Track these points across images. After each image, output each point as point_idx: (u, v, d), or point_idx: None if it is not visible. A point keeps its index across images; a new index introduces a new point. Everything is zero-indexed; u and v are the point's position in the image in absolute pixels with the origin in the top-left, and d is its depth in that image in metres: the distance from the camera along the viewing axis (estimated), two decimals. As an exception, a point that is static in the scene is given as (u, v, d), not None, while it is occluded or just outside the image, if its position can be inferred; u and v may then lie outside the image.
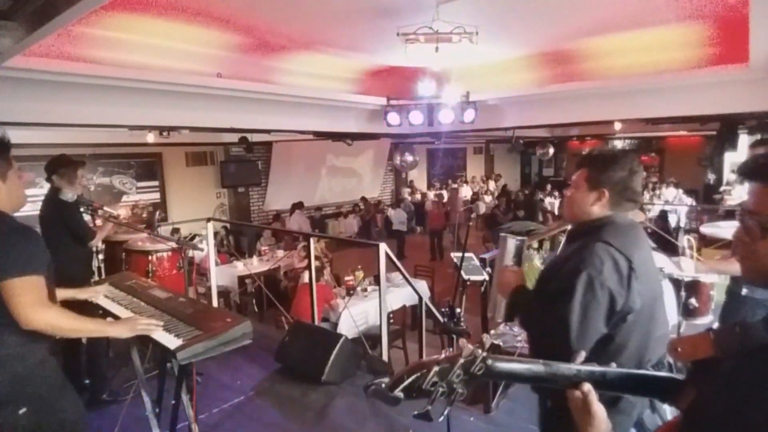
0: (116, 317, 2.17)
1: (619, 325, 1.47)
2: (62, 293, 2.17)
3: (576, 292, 1.43)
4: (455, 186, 14.88)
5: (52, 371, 1.78)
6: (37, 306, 1.64)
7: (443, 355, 0.81)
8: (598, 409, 0.88)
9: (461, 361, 0.80)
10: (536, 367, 0.87)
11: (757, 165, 0.87)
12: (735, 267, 2.53)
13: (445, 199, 12.50)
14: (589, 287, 1.43)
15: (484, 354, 0.81)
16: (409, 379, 0.79)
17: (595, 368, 0.92)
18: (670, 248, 4.69)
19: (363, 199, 13.27)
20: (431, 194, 14.01)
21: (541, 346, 1.59)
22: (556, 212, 12.50)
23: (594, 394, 0.88)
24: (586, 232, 1.57)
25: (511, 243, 1.87)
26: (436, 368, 0.79)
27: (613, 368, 0.96)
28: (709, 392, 0.84)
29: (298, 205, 10.73)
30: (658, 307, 1.57)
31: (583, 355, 0.98)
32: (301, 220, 10.58)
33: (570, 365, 0.91)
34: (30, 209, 3.33)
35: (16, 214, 1.79)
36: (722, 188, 11.94)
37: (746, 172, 0.88)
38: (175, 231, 7.79)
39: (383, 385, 0.81)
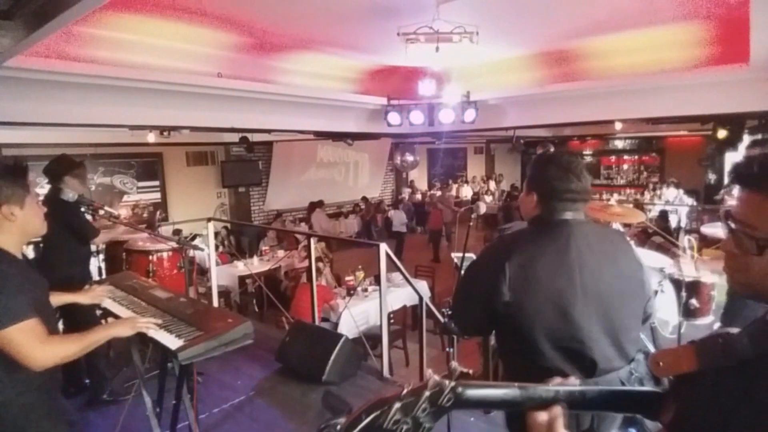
0: (117, 317, 2.17)
1: (495, 317, 1.51)
2: (64, 297, 2.17)
3: (463, 274, 1.69)
4: (446, 185, 14.81)
5: (37, 426, 1.70)
6: (39, 346, 1.60)
7: (405, 389, 0.73)
8: None
9: (427, 393, 0.72)
10: (511, 391, 0.81)
11: (750, 171, 0.80)
12: None
13: (434, 199, 12.39)
14: (469, 271, 1.66)
15: (453, 384, 0.74)
16: (368, 419, 0.70)
17: (574, 388, 0.88)
18: (671, 248, 4.69)
19: (364, 198, 13.27)
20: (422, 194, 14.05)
21: None
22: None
23: (561, 419, 0.81)
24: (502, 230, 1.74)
25: None
26: (397, 404, 0.71)
27: (592, 387, 0.92)
28: (692, 406, 0.81)
29: (317, 204, 10.67)
30: (562, 318, 1.45)
31: (558, 379, 0.92)
32: (322, 218, 10.49)
33: (548, 387, 0.86)
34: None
35: None
36: (723, 188, 11.93)
37: (738, 176, 0.82)
38: (176, 232, 7.78)
39: (338, 428, 0.72)
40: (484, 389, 0.79)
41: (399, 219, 11.75)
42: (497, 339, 1.70)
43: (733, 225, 0.81)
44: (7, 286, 1.62)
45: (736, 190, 0.84)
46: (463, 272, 1.63)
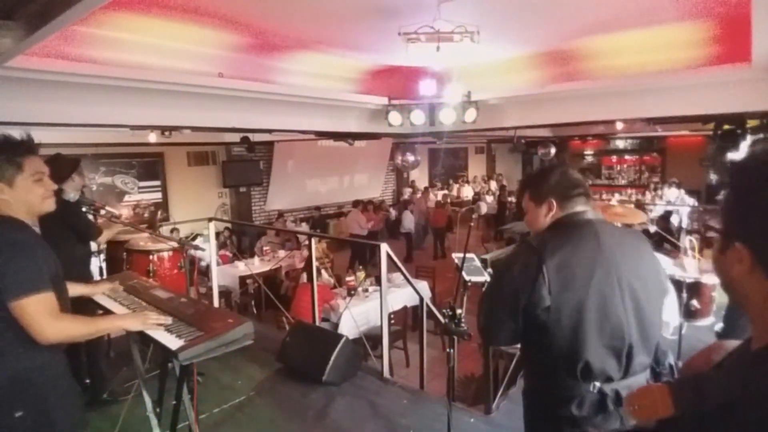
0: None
1: (536, 322, 1.49)
2: (78, 289, 2.19)
3: (489, 284, 1.69)
4: (424, 188, 14.81)
5: (54, 377, 1.75)
6: (50, 321, 1.62)
7: None
8: None
9: None
10: None
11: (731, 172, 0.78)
12: None
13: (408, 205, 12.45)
14: (497, 282, 1.65)
15: None
16: None
17: None
18: (672, 249, 4.68)
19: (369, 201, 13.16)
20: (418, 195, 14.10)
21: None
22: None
23: None
24: (524, 238, 1.74)
25: None
26: None
27: None
28: None
29: (354, 204, 10.75)
30: (604, 314, 1.48)
31: None
32: (360, 218, 10.45)
33: None
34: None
35: None
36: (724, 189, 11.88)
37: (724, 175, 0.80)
38: (172, 231, 7.78)
39: None
40: None
41: (408, 220, 11.72)
42: (527, 345, 1.65)
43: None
44: (28, 254, 1.64)
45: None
46: (490, 282, 1.64)
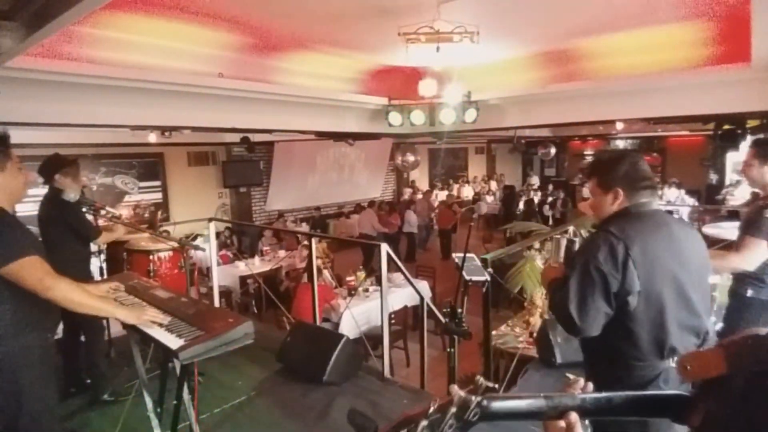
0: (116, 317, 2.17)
1: (624, 309, 1.59)
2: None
3: (575, 274, 1.64)
4: (425, 191, 14.70)
5: (33, 362, 1.83)
6: (49, 276, 1.77)
7: (432, 407, 0.74)
8: None
9: (453, 409, 0.74)
10: (536, 401, 0.81)
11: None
12: (724, 262, 2.53)
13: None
14: (585, 270, 1.63)
15: (479, 398, 0.75)
16: None
17: (600, 395, 0.87)
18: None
19: (387, 203, 13.14)
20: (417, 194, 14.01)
21: (561, 326, 1.77)
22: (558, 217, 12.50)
23: (579, 425, 0.80)
24: (600, 226, 1.75)
25: (563, 242, 2.05)
26: (424, 422, 0.72)
27: (618, 393, 0.90)
28: (722, 410, 0.79)
29: (369, 204, 10.60)
30: (679, 295, 1.61)
31: (581, 381, 0.91)
32: (372, 217, 10.41)
33: (575, 395, 0.86)
34: (32, 209, 3.36)
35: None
36: (724, 188, 11.91)
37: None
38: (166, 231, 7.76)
39: None
40: (509, 401, 0.80)
41: (411, 219, 11.71)
42: (609, 333, 1.65)
43: None
44: (9, 230, 1.81)
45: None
46: (573, 273, 1.64)
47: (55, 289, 1.77)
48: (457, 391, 0.76)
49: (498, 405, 0.77)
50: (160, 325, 1.95)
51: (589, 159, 17.02)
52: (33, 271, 1.75)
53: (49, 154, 3.45)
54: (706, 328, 1.66)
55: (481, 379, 0.79)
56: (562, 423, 0.80)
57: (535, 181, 16.56)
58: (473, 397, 0.75)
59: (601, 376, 1.74)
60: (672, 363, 1.61)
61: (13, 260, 1.73)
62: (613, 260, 1.56)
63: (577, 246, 1.94)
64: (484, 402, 0.75)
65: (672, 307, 1.59)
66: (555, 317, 1.85)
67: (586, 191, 10.56)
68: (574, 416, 0.80)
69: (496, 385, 0.79)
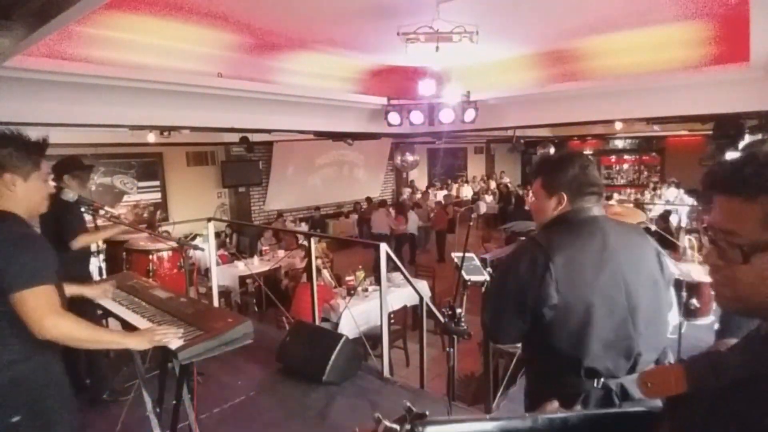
0: (117, 317, 2.17)
1: (541, 322, 1.48)
2: (72, 289, 2.17)
3: (494, 283, 1.65)
4: (422, 192, 14.72)
5: (53, 379, 1.73)
6: (51, 315, 1.60)
7: None
8: None
9: None
10: (482, 424, 0.76)
11: (718, 177, 0.78)
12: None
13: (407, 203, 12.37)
14: (503, 280, 1.60)
15: (407, 427, 0.69)
16: None
17: (555, 415, 0.84)
18: (671, 248, 4.68)
19: (368, 199, 13.16)
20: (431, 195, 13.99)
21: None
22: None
23: None
24: (530, 233, 1.69)
25: None
26: None
27: (575, 413, 0.88)
28: (686, 429, 0.77)
29: (381, 203, 10.68)
30: (611, 312, 1.47)
31: (555, 403, 0.88)
32: (383, 217, 10.36)
33: (525, 416, 0.81)
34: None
35: None
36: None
37: (714, 183, 0.79)
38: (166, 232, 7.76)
39: None
40: (449, 425, 0.75)
41: (412, 220, 11.67)
42: (530, 344, 1.62)
43: (713, 235, 0.77)
44: (34, 248, 1.67)
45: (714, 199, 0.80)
46: (493, 280, 1.60)
47: (53, 330, 1.60)
48: (382, 421, 0.71)
49: (434, 430, 0.72)
50: (175, 334, 1.84)
51: (536, 158, 17.01)
52: (38, 305, 1.59)
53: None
54: (639, 350, 1.48)
55: (406, 403, 0.74)
56: None
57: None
58: (397, 427, 0.70)
59: (529, 384, 1.70)
60: (597, 384, 1.48)
61: (28, 286, 1.57)
62: (532, 272, 1.46)
63: None
64: (418, 429, 0.70)
65: (599, 324, 1.45)
66: None
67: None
68: None
69: (427, 412, 0.73)
